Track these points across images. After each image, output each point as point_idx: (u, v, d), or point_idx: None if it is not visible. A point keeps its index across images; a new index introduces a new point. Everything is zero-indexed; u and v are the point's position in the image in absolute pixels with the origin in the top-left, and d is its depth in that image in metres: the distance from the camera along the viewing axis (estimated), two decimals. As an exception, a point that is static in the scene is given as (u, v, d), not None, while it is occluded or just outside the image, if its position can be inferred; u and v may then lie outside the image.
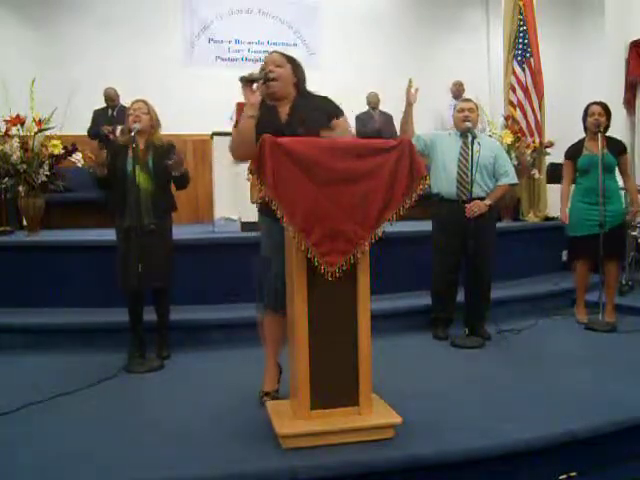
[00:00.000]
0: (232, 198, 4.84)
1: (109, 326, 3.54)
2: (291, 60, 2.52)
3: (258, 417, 2.35)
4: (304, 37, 8.01)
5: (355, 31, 7.91)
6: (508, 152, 5.03)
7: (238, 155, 2.51)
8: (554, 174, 5.73)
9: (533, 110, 5.58)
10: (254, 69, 2.54)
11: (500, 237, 3.93)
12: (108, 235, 3.41)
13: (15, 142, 4.49)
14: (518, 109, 5.60)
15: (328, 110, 2.49)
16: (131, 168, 3.16)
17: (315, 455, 2.03)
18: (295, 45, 7.94)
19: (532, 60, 5.62)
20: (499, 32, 6.26)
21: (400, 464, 2.04)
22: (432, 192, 3.73)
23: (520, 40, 5.64)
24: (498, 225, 4.08)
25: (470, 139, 3.50)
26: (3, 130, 4.52)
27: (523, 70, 5.63)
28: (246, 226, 4.71)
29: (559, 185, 4.30)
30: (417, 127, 3.56)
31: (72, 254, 3.99)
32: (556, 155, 5.42)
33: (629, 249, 4.84)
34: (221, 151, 5.05)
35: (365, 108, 6.81)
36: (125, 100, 5.99)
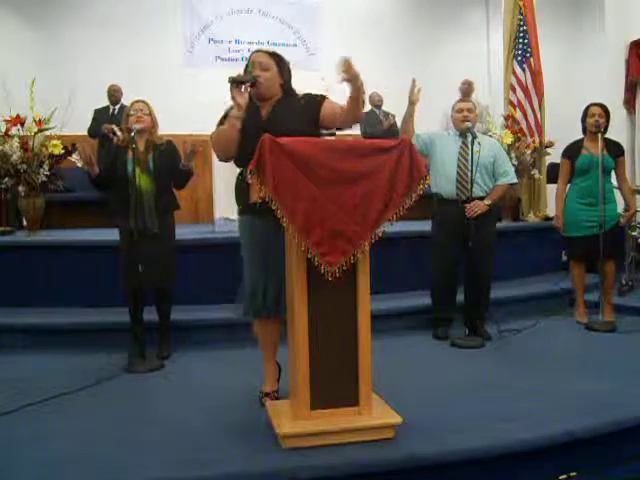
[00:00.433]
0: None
1: (109, 326, 3.54)
2: (277, 60, 2.52)
3: (258, 417, 2.35)
4: (304, 37, 8.01)
5: (355, 31, 7.90)
6: (508, 152, 5.03)
7: (219, 153, 2.51)
8: (554, 174, 5.74)
9: (533, 110, 5.58)
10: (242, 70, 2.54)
11: (500, 237, 3.93)
12: (108, 235, 3.41)
13: (15, 142, 4.49)
14: (518, 109, 5.60)
15: (311, 105, 2.47)
16: (131, 169, 3.16)
17: (315, 455, 2.03)
18: (295, 45, 7.94)
19: (532, 60, 5.62)
20: (499, 32, 6.26)
21: (400, 464, 2.04)
22: (432, 192, 3.73)
23: (520, 40, 5.64)
24: (498, 225, 4.08)
25: (470, 139, 3.51)
26: (3, 130, 4.52)
27: (523, 70, 5.63)
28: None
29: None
30: (421, 127, 3.56)
31: (72, 254, 3.99)
32: (556, 155, 5.42)
33: (629, 249, 4.84)
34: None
35: (368, 108, 6.77)
36: (125, 100, 6.00)
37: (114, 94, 6.11)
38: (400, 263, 4.24)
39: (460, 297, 3.79)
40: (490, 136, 4.76)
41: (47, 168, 4.54)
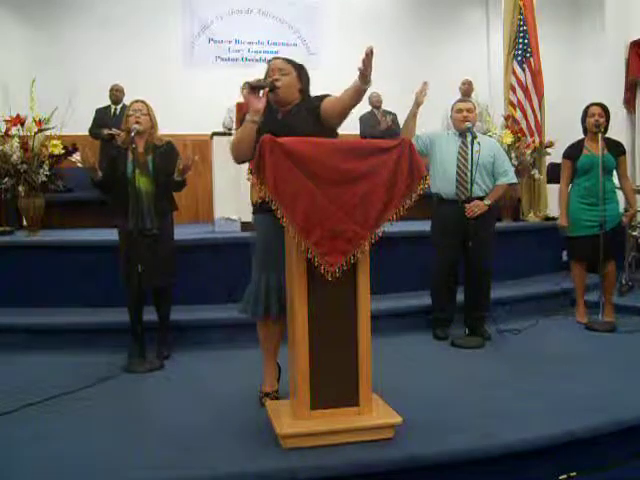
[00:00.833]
0: (232, 198, 4.84)
1: (109, 326, 3.54)
2: (296, 66, 2.54)
3: (258, 417, 2.35)
4: (304, 37, 8.01)
5: (355, 31, 7.89)
6: (508, 152, 5.03)
7: (237, 157, 2.51)
8: (554, 174, 5.74)
9: (533, 110, 5.58)
10: (258, 74, 2.55)
11: (500, 237, 3.93)
12: (108, 235, 3.41)
13: (15, 142, 4.49)
14: (518, 109, 5.60)
15: (314, 105, 2.47)
16: (131, 171, 3.15)
17: (315, 455, 2.03)
18: (295, 45, 7.94)
19: (532, 60, 5.62)
20: (499, 32, 6.26)
21: (400, 464, 2.04)
22: (431, 192, 3.73)
23: (520, 40, 5.63)
24: (498, 225, 4.08)
25: (470, 139, 3.51)
26: (3, 130, 4.52)
27: (523, 70, 5.63)
28: (246, 226, 4.70)
29: (559, 185, 4.29)
30: (420, 127, 3.56)
31: (72, 254, 3.99)
32: (556, 155, 5.42)
33: (629, 249, 4.84)
34: (221, 151, 5.07)
35: (367, 108, 6.77)
36: (127, 100, 5.99)
37: (115, 94, 6.11)
38: (400, 263, 4.24)
39: (460, 297, 3.79)
40: (490, 136, 4.76)
41: (47, 168, 4.54)
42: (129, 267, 3.19)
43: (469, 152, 3.49)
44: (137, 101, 3.38)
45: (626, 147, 4.29)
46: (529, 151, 5.38)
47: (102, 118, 6.01)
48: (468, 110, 3.67)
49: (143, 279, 3.14)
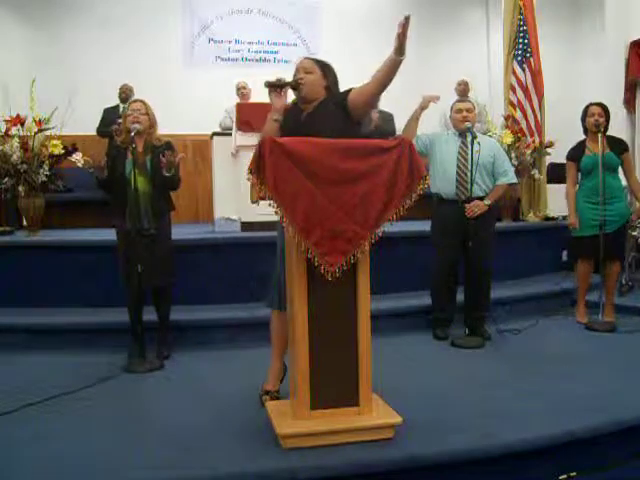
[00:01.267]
0: (232, 198, 4.84)
1: (109, 326, 3.54)
2: (322, 65, 2.54)
3: (258, 417, 2.35)
4: (304, 37, 8.01)
5: (355, 31, 7.91)
6: (508, 152, 5.03)
7: None
8: (554, 174, 5.74)
9: (533, 110, 5.58)
10: (259, 74, 2.56)
11: (500, 237, 3.93)
12: (108, 235, 3.41)
13: (15, 142, 4.49)
14: (518, 109, 5.60)
15: (340, 99, 2.45)
16: (130, 170, 3.15)
17: (315, 455, 2.03)
18: (295, 45, 7.94)
19: (532, 60, 5.62)
20: (499, 32, 6.26)
21: (400, 464, 2.04)
22: (431, 192, 3.73)
23: (520, 40, 5.64)
24: (498, 225, 4.08)
25: (470, 139, 3.51)
26: (3, 130, 4.52)
27: (523, 70, 5.63)
28: (246, 226, 4.71)
29: (559, 185, 4.30)
30: (420, 126, 3.56)
31: (72, 254, 3.99)
32: (556, 155, 5.43)
33: (629, 249, 4.84)
34: (221, 151, 5.07)
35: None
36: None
37: (125, 92, 6.11)
38: (400, 263, 4.24)
39: (460, 297, 3.79)
40: (490, 136, 4.76)
41: (47, 168, 4.54)
42: (128, 267, 3.20)
43: (469, 152, 3.49)
44: (136, 100, 3.38)
45: (627, 146, 4.28)
46: (529, 151, 5.38)
47: (110, 117, 5.99)
48: (467, 110, 3.67)
49: (142, 279, 3.14)
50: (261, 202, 2.20)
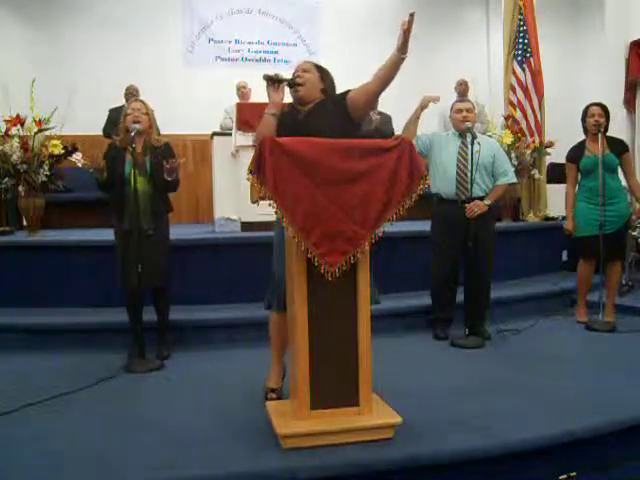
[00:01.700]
0: (232, 198, 4.84)
1: (109, 326, 3.54)
2: (320, 68, 2.57)
3: (258, 417, 2.35)
4: (304, 37, 8.01)
5: (355, 31, 7.91)
6: (508, 152, 5.03)
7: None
8: (554, 174, 5.75)
9: (533, 110, 5.58)
10: (259, 75, 2.56)
11: (500, 237, 3.93)
12: (108, 235, 3.41)
13: (15, 142, 4.49)
14: (518, 109, 5.61)
15: (338, 100, 2.46)
16: (129, 171, 3.15)
17: (315, 455, 2.03)
18: (295, 45, 7.94)
19: (532, 60, 5.62)
20: (499, 32, 6.27)
21: (400, 464, 2.04)
22: (431, 192, 3.73)
23: (520, 40, 5.64)
24: (498, 225, 4.08)
25: (470, 139, 3.51)
26: (3, 130, 4.52)
27: (523, 70, 5.64)
28: (246, 226, 4.71)
29: (559, 185, 4.30)
30: (421, 127, 3.56)
31: (72, 254, 3.99)
32: (556, 155, 5.43)
33: (629, 249, 4.84)
34: (221, 151, 5.07)
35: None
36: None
37: (132, 92, 6.09)
38: (400, 263, 4.24)
39: (460, 297, 3.79)
40: (490, 136, 4.76)
41: (47, 168, 4.54)
42: (125, 267, 3.19)
43: (469, 152, 3.49)
44: (136, 101, 3.38)
45: (627, 147, 4.28)
46: (529, 151, 5.38)
47: (116, 118, 5.98)
48: (467, 110, 3.67)
49: (140, 279, 3.13)
50: (261, 202, 2.20)
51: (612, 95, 5.93)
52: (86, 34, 7.16)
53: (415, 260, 4.26)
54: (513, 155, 5.21)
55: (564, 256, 5.18)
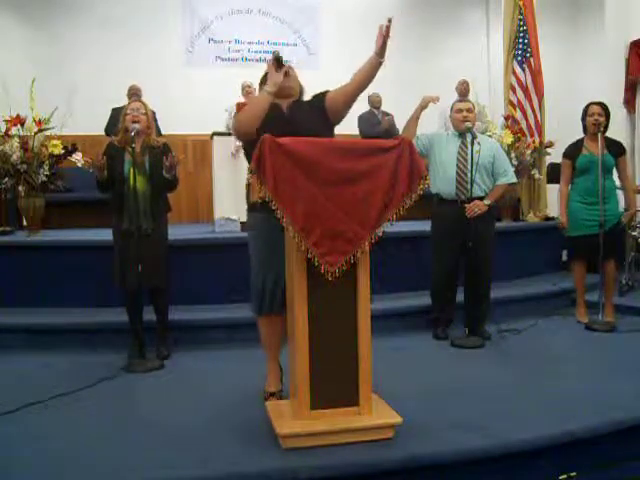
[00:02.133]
0: (232, 198, 4.84)
1: (109, 326, 3.54)
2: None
3: (258, 417, 2.35)
4: (304, 37, 8.01)
5: (355, 31, 7.88)
6: (508, 152, 5.03)
7: (244, 127, 2.43)
8: (554, 174, 5.74)
9: (533, 110, 5.58)
10: (259, 75, 2.56)
11: (500, 237, 3.93)
12: (108, 235, 3.41)
13: (15, 142, 4.49)
14: (518, 109, 5.60)
15: (317, 100, 2.52)
16: (128, 170, 3.15)
17: (315, 455, 2.03)
18: (295, 45, 7.95)
19: (532, 60, 5.62)
20: (499, 32, 6.26)
21: (400, 464, 2.04)
22: (431, 192, 3.73)
23: (520, 40, 5.64)
24: (498, 225, 4.08)
25: (470, 139, 3.51)
26: (3, 130, 4.52)
27: (523, 70, 5.63)
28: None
29: (559, 185, 4.29)
30: (420, 126, 3.56)
31: (72, 254, 3.99)
32: (556, 155, 5.42)
33: (629, 249, 4.84)
34: (221, 151, 5.08)
35: (366, 108, 6.75)
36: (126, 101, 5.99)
37: (136, 92, 6.08)
38: (400, 263, 4.24)
39: (460, 297, 3.79)
40: (490, 136, 4.76)
41: (47, 168, 4.54)
42: (124, 267, 3.19)
43: (469, 152, 3.49)
44: (135, 101, 3.38)
45: (626, 147, 4.29)
46: (529, 151, 5.38)
47: (118, 117, 5.97)
48: (468, 110, 3.67)
49: (139, 279, 3.13)
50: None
51: (612, 95, 5.92)
52: (86, 34, 7.17)
53: (415, 260, 4.25)
54: (513, 155, 5.21)
55: (564, 256, 5.18)
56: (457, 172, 3.61)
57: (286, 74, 2.46)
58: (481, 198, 3.61)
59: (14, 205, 4.92)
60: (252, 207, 2.55)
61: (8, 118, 4.54)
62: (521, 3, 5.64)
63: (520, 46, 5.64)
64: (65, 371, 3.09)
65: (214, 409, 2.53)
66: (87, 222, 5.81)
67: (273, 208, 2.06)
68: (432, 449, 2.10)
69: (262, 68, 2.65)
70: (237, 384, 2.83)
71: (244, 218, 4.70)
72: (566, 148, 4.13)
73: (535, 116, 5.57)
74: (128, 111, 3.27)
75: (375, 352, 2.22)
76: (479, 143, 3.48)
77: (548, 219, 5.52)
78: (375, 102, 6.73)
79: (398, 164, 2.14)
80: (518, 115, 5.58)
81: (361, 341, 2.18)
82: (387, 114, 6.72)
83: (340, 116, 2.53)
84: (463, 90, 6.54)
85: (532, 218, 5.51)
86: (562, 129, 5.18)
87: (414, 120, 3.48)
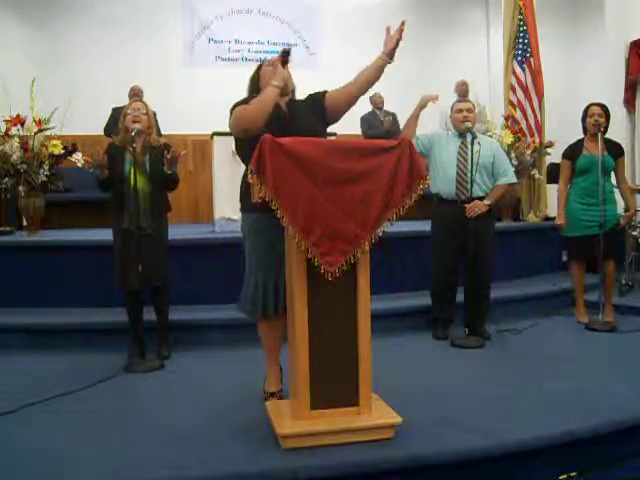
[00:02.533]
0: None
1: (109, 326, 3.54)
2: None
3: (258, 417, 2.35)
4: (304, 37, 8.01)
5: (355, 31, 7.90)
6: (508, 152, 5.03)
7: (251, 123, 2.31)
8: (554, 174, 5.74)
9: (533, 110, 5.58)
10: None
11: (500, 237, 3.94)
12: (108, 235, 3.42)
13: (15, 142, 4.49)
14: (518, 109, 5.61)
15: (316, 100, 2.51)
16: (128, 170, 3.15)
17: (315, 455, 2.03)
18: (295, 45, 7.93)
19: (532, 60, 5.62)
20: (499, 32, 6.26)
21: (400, 464, 2.04)
22: (431, 192, 3.73)
23: (520, 40, 5.64)
24: (498, 225, 4.08)
25: (470, 139, 3.51)
26: (3, 130, 4.52)
27: (523, 70, 5.64)
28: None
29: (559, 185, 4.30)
30: (420, 126, 3.56)
31: (72, 254, 3.99)
32: (556, 155, 5.42)
33: (629, 249, 4.84)
34: (221, 151, 5.07)
35: (368, 108, 6.75)
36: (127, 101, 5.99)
37: (137, 93, 6.08)
38: (400, 263, 4.24)
39: (460, 297, 3.79)
40: (490, 136, 4.76)
41: (47, 168, 4.54)
42: (124, 267, 3.19)
43: (469, 152, 3.49)
44: (136, 101, 3.39)
45: (626, 147, 4.31)
46: (529, 151, 5.38)
47: (118, 117, 5.96)
48: (468, 110, 3.67)
49: (140, 279, 3.13)
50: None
51: (612, 95, 5.92)
52: (86, 34, 7.16)
53: (415, 260, 4.26)
54: (513, 155, 5.21)
55: (564, 256, 5.17)
56: (457, 172, 3.61)
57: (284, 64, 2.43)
58: (481, 198, 3.61)
59: (14, 205, 4.92)
60: (253, 207, 2.51)
61: (8, 118, 4.54)
62: (521, 3, 5.64)
63: (520, 46, 5.64)
64: (65, 371, 3.09)
65: (214, 409, 2.53)
66: (87, 222, 5.82)
67: (273, 208, 2.06)
68: (432, 449, 2.10)
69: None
70: (237, 384, 2.83)
71: (244, 218, 4.73)
72: (566, 149, 4.13)
73: (535, 116, 5.57)
74: (129, 111, 3.27)
75: (375, 352, 2.22)
76: (479, 143, 3.48)
77: (548, 219, 5.52)
78: (377, 102, 6.72)
79: (398, 164, 2.14)
80: (518, 115, 5.58)
81: (361, 341, 2.18)
82: (389, 113, 6.72)
83: (339, 116, 2.51)
84: (462, 91, 6.54)
85: (532, 218, 5.51)
86: (562, 129, 5.18)
87: (413, 119, 3.49)
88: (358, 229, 2.10)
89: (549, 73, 5.89)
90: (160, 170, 3.22)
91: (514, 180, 3.80)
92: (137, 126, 3.16)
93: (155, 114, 3.53)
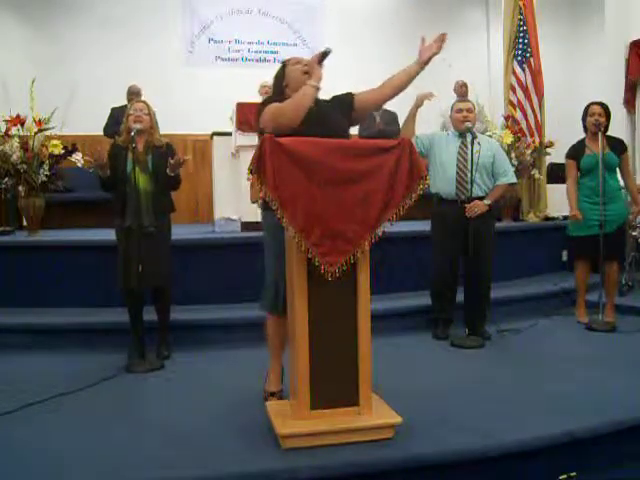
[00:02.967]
0: (232, 198, 4.84)
1: (109, 326, 3.54)
2: None
3: (258, 417, 2.35)
4: (304, 37, 8.01)
5: (355, 31, 7.90)
6: (508, 152, 5.03)
7: (287, 119, 2.31)
8: (554, 174, 5.75)
9: (533, 110, 5.58)
10: (259, 75, 2.55)
11: (500, 237, 3.93)
12: (108, 235, 3.42)
13: (15, 142, 4.49)
14: (518, 109, 5.60)
15: (344, 100, 2.55)
16: (131, 169, 3.16)
17: (315, 455, 2.03)
18: (295, 45, 7.94)
19: (532, 60, 5.62)
20: (499, 32, 6.26)
21: (400, 464, 2.04)
22: (431, 192, 3.73)
23: (520, 40, 5.64)
24: (498, 225, 4.08)
25: (470, 139, 3.51)
26: (3, 130, 4.52)
27: (523, 70, 5.63)
28: (246, 226, 4.71)
29: (559, 185, 4.30)
30: (420, 126, 3.56)
31: (72, 254, 3.99)
32: (556, 155, 5.43)
33: (629, 249, 4.84)
34: (221, 151, 5.07)
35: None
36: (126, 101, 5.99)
37: (134, 92, 6.07)
38: (400, 263, 4.23)
39: (460, 297, 3.79)
40: (490, 136, 4.76)
41: (47, 168, 4.54)
42: (126, 266, 3.19)
43: (469, 152, 3.49)
44: (138, 101, 3.40)
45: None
46: (529, 151, 5.38)
47: (118, 117, 5.96)
48: (468, 110, 3.67)
49: (141, 278, 3.13)
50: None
51: (612, 95, 5.92)
52: (86, 34, 7.16)
53: (415, 260, 4.25)
54: (513, 155, 5.20)
55: (564, 256, 5.18)
56: (457, 172, 3.62)
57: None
58: (481, 198, 3.61)
59: (14, 205, 4.92)
60: (267, 205, 2.50)
61: (8, 118, 4.54)
62: (521, 3, 5.63)
63: (520, 46, 5.64)
64: (65, 371, 3.09)
65: (214, 409, 2.53)
66: (87, 222, 5.82)
67: (273, 208, 2.06)
68: (432, 449, 2.10)
69: (262, 68, 2.65)
70: (237, 384, 2.84)
71: (244, 218, 4.74)
72: (569, 149, 4.12)
73: (535, 116, 5.57)
74: (131, 111, 3.28)
75: (375, 352, 2.22)
76: (479, 143, 3.48)
77: (548, 219, 5.52)
78: None
79: (398, 164, 2.14)
80: (518, 115, 5.58)
81: (361, 341, 2.18)
82: (390, 113, 6.71)
83: (362, 118, 2.56)
84: (462, 92, 6.54)
85: (532, 218, 5.51)
86: (562, 129, 5.18)
87: (411, 118, 3.49)
88: (358, 229, 2.10)
89: (549, 73, 5.89)
90: (163, 169, 3.22)
91: (514, 180, 3.80)
92: (137, 126, 3.17)
93: (154, 114, 3.53)
